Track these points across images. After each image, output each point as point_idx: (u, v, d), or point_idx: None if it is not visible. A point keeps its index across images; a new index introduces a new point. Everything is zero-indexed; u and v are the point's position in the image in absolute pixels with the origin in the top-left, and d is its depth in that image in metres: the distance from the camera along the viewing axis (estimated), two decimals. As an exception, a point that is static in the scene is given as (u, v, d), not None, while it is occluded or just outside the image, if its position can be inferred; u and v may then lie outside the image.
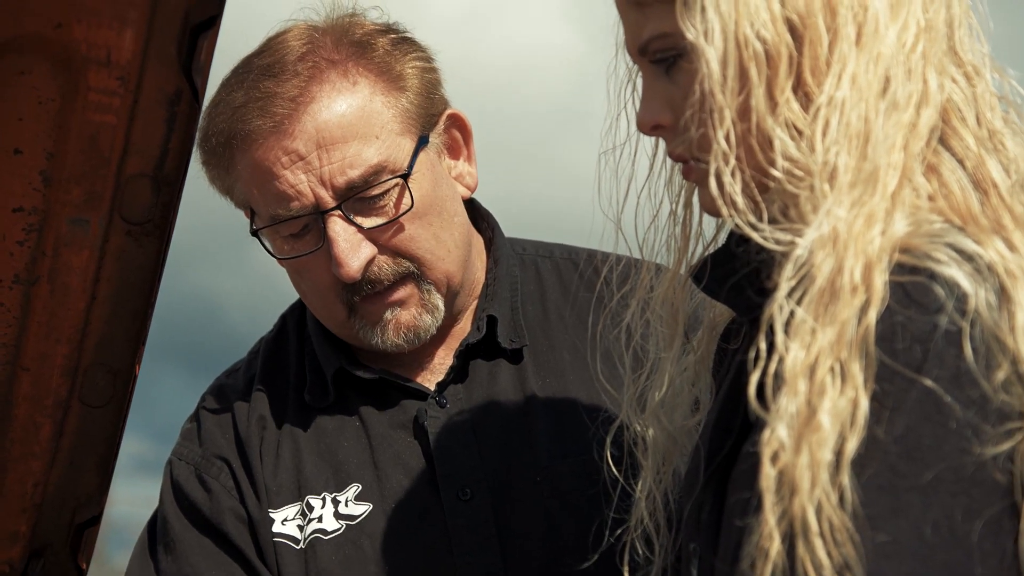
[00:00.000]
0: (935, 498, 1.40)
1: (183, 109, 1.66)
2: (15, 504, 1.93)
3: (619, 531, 1.87)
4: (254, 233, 2.22)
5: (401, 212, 2.17)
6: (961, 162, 1.56)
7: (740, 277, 1.60)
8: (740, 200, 1.53)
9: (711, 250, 1.71)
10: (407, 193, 2.17)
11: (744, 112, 1.52)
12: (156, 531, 2.30)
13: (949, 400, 1.40)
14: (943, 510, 1.40)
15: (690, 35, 1.52)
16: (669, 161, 1.71)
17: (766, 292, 1.51)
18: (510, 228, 2.40)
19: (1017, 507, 1.42)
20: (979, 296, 1.42)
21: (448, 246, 2.22)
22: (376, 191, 2.16)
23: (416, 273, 2.20)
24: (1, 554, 1.99)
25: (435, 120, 2.24)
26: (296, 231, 2.19)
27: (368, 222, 2.17)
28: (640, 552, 1.83)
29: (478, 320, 2.27)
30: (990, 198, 1.54)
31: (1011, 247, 1.48)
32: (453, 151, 2.29)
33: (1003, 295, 1.44)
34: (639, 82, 1.67)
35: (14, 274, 1.74)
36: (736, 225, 1.55)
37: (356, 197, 2.15)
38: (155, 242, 1.75)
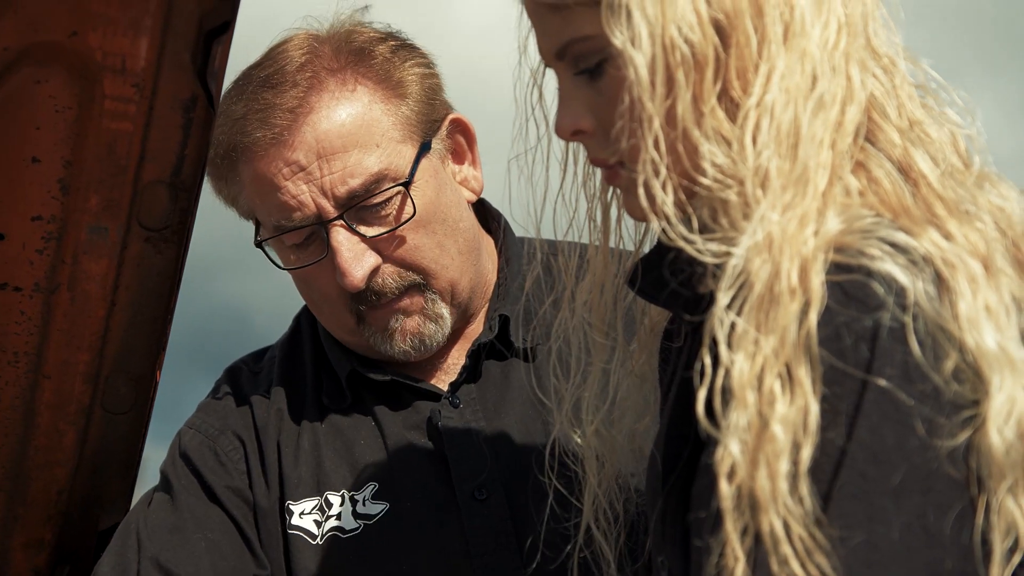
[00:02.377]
0: (906, 499, 1.37)
1: (199, 115, 1.67)
2: (40, 512, 1.94)
3: (569, 545, 1.85)
4: (258, 244, 2.23)
5: (404, 220, 2.17)
6: (888, 156, 1.53)
7: (676, 282, 1.55)
8: (671, 210, 1.49)
9: (642, 252, 1.66)
10: (409, 201, 2.17)
11: (672, 119, 1.48)
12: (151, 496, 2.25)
13: (904, 397, 1.38)
14: (915, 510, 1.37)
15: (617, 41, 1.47)
16: (583, 164, 1.67)
17: (702, 295, 1.49)
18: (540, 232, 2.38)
19: (974, 500, 1.39)
20: (917, 288, 1.39)
21: (452, 253, 2.22)
22: (378, 199, 2.15)
23: (421, 284, 2.21)
24: (27, 562, 2.00)
25: (437, 126, 2.24)
26: (300, 241, 2.19)
27: (371, 231, 2.17)
28: (593, 562, 1.81)
29: (490, 320, 2.27)
30: (920, 188, 1.51)
31: (946, 236, 1.45)
32: (457, 156, 2.29)
33: (941, 285, 1.41)
34: (546, 87, 1.63)
35: (34, 282, 1.75)
36: (667, 237, 1.51)
37: (358, 206, 2.15)
38: (174, 248, 1.76)
